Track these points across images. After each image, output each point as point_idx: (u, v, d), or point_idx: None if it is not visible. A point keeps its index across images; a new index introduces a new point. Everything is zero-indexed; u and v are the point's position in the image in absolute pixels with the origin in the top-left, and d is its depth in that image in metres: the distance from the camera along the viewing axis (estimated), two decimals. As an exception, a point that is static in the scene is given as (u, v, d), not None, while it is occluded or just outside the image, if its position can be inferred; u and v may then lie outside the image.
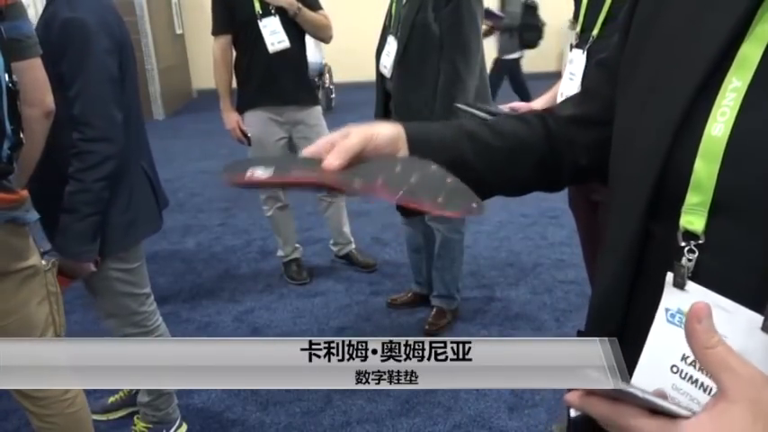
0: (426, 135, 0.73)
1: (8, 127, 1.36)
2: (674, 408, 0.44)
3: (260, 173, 0.62)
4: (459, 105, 2.04)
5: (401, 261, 3.39)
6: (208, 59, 3.15)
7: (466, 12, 2.32)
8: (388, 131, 0.69)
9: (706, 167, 0.52)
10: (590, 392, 0.48)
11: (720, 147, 0.51)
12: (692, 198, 0.53)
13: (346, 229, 3.41)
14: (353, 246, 3.46)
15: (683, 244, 0.54)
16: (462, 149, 0.72)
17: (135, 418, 2.18)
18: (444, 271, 2.76)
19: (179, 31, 9.59)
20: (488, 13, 5.16)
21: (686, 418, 0.44)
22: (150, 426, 2.12)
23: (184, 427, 2.19)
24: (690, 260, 0.54)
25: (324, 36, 3.11)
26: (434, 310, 2.81)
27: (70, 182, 1.65)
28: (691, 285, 0.54)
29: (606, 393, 0.47)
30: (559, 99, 1.87)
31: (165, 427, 2.13)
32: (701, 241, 0.53)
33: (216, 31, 2.99)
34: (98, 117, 1.65)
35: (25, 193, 1.49)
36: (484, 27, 5.93)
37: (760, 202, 0.49)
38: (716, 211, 0.52)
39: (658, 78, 0.60)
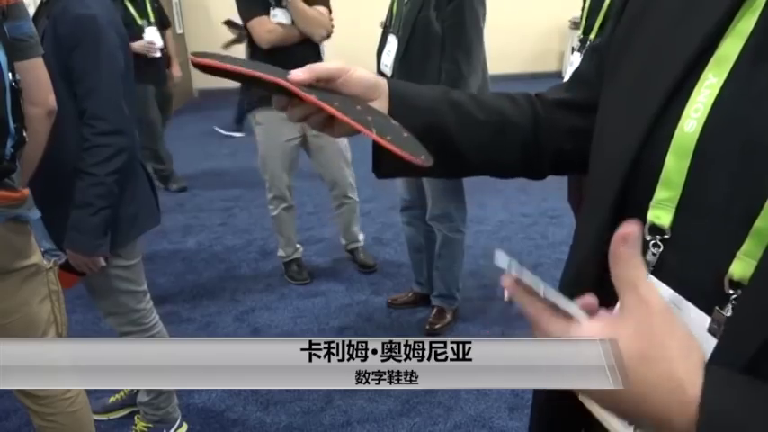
0: (408, 93, 0.72)
1: (11, 125, 1.36)
2: (574, 310, 0.48)
3: (229, 64, 0.64)
4: None
5: (401, 261, 3.39)
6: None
7: (468, 11, 2.32)
8: (367, 75, 0.68)
9: (676, 163, 0.52)
10: (525, 290, 0.50)
11: (692, 143, 0.51)
12: (661, 193, 0.53)
13: (355, 228, 3.43)
14: (361, 244, 3.47)
15: (648, 238, 0.54)
16: (443, 115, 0.71)
17: (135, 417, 2.18)
18: (445, 271, 2.76)
19: (179, 31, 9.57)
20: (232, 24, 5.20)
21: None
22: (151, 425, 2.12)
23: (185, 426, 2.19)
24: (654, 254, 0.54)
25: (313, 33, 2.87)
26: (435, 309, 2.82)
27: (82, 177, 1.66)
28: (651, 279, 0.53)
29: (530, 290, 0.49)
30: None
31: (165, 427, 2.13)
32: (666, 236, 0.53)
33: (250, 15, 2.80)
34: (111, 111, 1.67)
35: (27, 191, 1.50)
36: (231, 37, 5.83)
37: (725, 200, 0.49)
38: (684, 207, 0.52)
39: (642, 71, 0.59)
